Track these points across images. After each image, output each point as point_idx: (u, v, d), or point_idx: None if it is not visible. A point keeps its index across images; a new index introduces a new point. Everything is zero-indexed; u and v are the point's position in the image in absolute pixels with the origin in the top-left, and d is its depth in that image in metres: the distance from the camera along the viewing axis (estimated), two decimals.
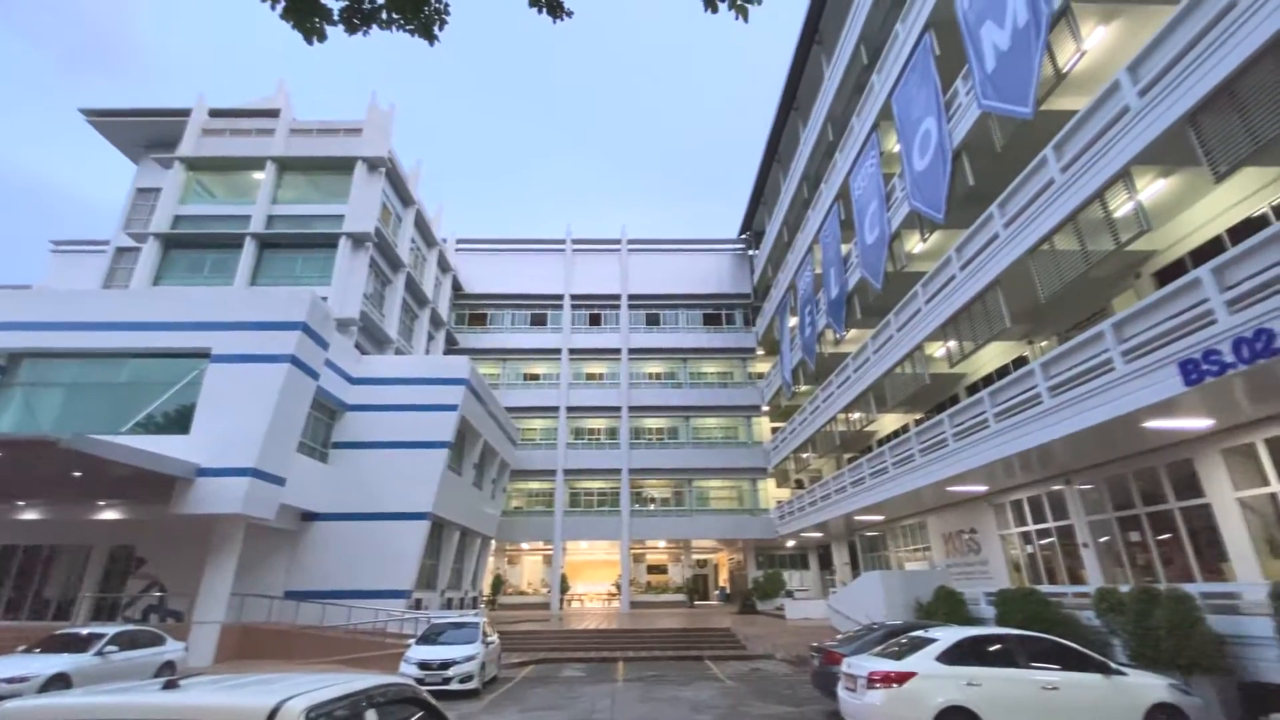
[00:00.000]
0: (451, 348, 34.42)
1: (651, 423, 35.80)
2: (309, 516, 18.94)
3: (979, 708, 7.23)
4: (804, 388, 28.48)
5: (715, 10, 4.52)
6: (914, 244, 18.00)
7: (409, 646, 13.23)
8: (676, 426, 35.76)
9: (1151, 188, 10.63)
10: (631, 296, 37.42)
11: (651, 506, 34.44)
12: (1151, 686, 7.63)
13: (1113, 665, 7.85)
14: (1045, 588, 13.33)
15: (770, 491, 34.29)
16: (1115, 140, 10.13)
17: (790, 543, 32.72)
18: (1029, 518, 15.47)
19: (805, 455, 28.88)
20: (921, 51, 16.09)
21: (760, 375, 36.50)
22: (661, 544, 36.61)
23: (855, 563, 27.68)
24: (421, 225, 30.29)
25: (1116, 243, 10.44)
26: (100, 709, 2.62)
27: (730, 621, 23.16)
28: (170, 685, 2.81)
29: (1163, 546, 11.87)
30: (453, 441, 21.13)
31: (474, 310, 37.27)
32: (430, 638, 13.33)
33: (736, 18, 4.54)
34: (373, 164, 25.37)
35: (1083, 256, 11.11)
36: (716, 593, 36.93)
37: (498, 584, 33.57)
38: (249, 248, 23.54)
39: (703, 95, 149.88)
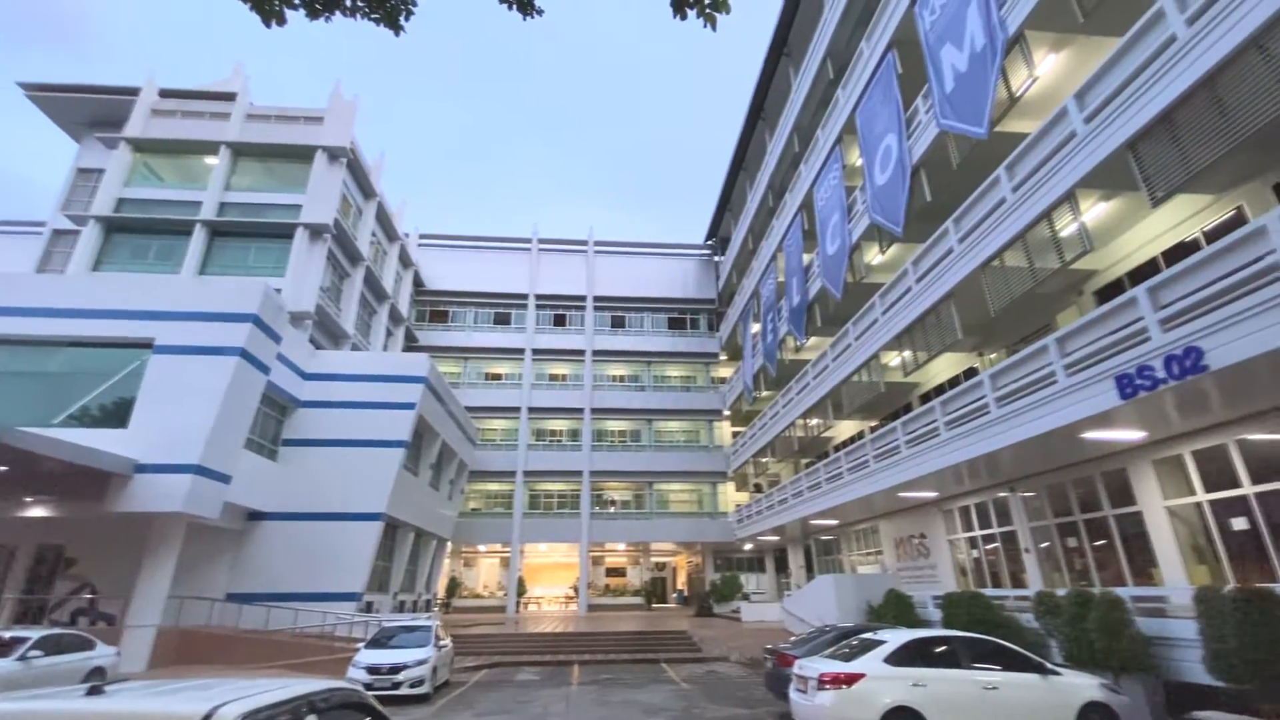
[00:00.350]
0: (411, 345, 33.73)
1: (614, 425, 35.77)
2: (255, 516, 18.27)
3: (924, 707, 7.45)
4: (765, 393, 28.89)
5: (684, 17, 4.56)
6: (873, 256, 18.47)
7: (358, 650, 12.89)
8: (639, 429, 35.81)
9: (1094, 210, 11.17)
10: (597, 298, 37.36)
11: (612, 509, 34.38)
12: (1084, 686, 7.98)
13: (1049, 666, 8.18)
14: (989, 591, 13.83)
15: (730, 495, 34.64)
16: (1063, 163, 10.61)
17: (748, 546, 33.10)
18: (975, 523, 16.02)
19: (764, 460, 29.29)
20: (885, 69, 16.56)
21: (723, 380, 36.87)
22: (621, 547, 36.59)
23: (810, 566, 28.17)
24: (383, 219, 29.62)
25: (1061, 261, 10.94)
26: (19, 716, 2.48)
27: (687, 624, 23.29)
28: (95, 691, 2.67)
29: (1098, 552, 12.45)
30: (409, 441, 20.69)
31: (435, 307, 36.63)
32: (380, 641, 13.03)
33: (705, 25, 4.59)
34: (334, 154, 24.71)
35: (1030, 273, 11.59)
36: (674, 595, 37.09)
37: (453, 586, 32.98)
38: (199, 235, 22.61)
39: (673, 101, 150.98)
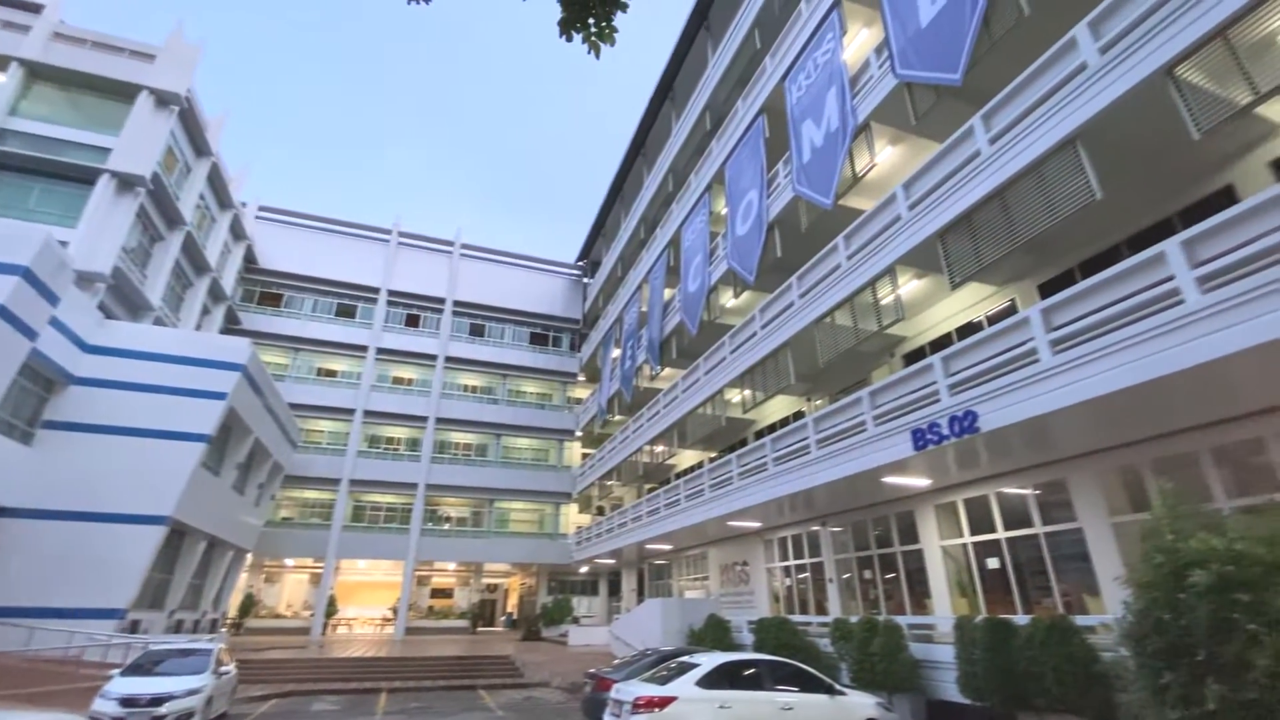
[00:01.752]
0: (232, 327, 29.82)
1: (460, 437, 34.23)
2: None
3: None
4: (618, 418, 29.39)
5: (570, 39, 4.63)
6: (728, 299, 19.73)
7: (111, 678, 10.84)
8: (486, 444, 34.59)
9: (909, 285, 12.91)
10: (457, 303, 35.85)
11: (446, 526, 32.68)
12: (864, 705, 8.90)
13: (837, 686, 9.02)
14: (796, 617, 15.02)
15: (572, 517, 34.49)
16: (889, 241, 12.18)
17: (584, 569, 33.07)
18: (791, 553, 17.42)
19: (610, 483, 29.64)
20: (755, 131, 18.00)
21: (579, 400, 36.94)
22: (451, 566, 34.77)
23: (642, 590, 28.77)
24: (217, 182, 26.22)
25: (879, 325, 12.46)
26: None
27: (512, 648, 22.58)
28: None
29: (887, 584, 14.08)
30: (213, 435, 18.13)
31: (268, 289, 32.82)
32: (144, 667, 11.06)
33: (589, 51, 4.68)
34: (163, 98, 21.53)
35: (854, 332, 13.07)
36: (503, 619, 35.86)
37: (248, 605, 29.06)
38: None
39: (559, 119, 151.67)
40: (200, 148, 24.48)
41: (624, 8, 4.56)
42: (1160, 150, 8.60)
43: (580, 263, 39.52)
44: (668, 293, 23.89)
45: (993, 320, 12.06)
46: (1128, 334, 7.29)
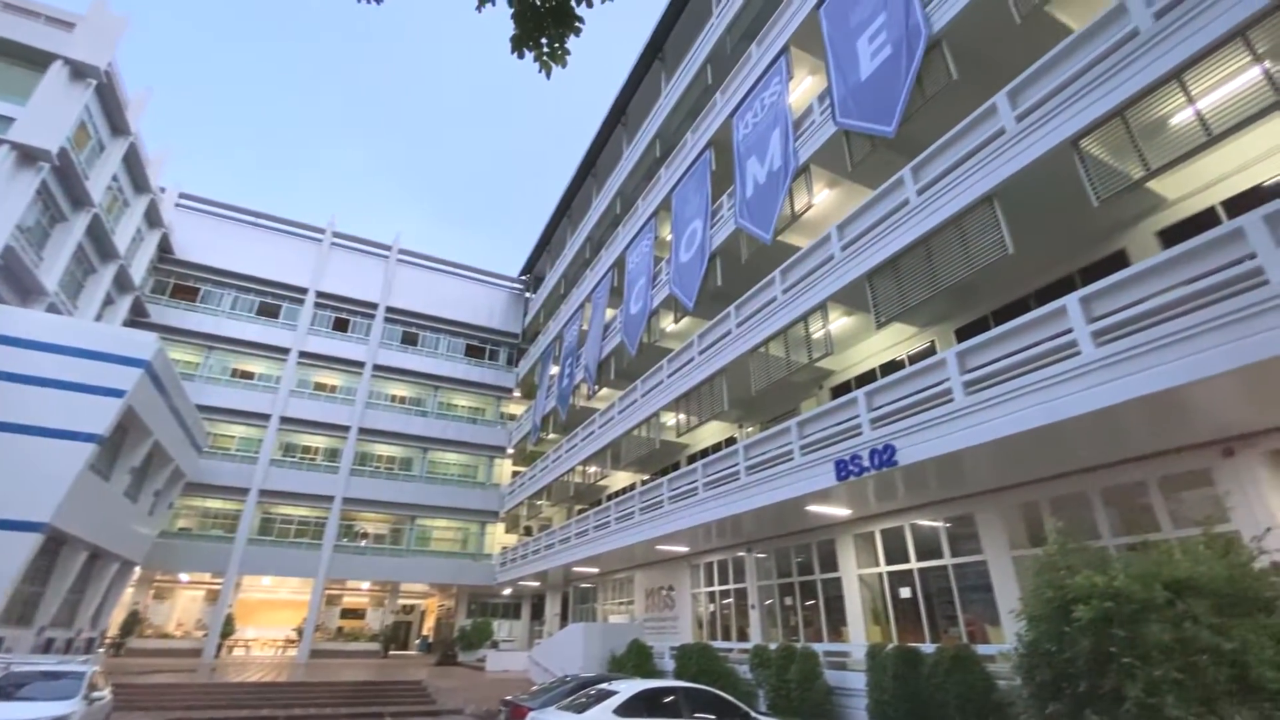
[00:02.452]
0: (139, 320, 27.66)
1: (384, 449, 32.82)
2: None
3: None
4: (552, 436, 28.98)
5: (522, 56, 4.63)
6: (668, 323, 19.96)
7: None
8: (411, 457, 33.29)
9: (839, 321, 13.47)
10: (391, 309, 34.61)
11: (363, 543, 31.09)
12: None
13: (753, 715, 9.05)
14: (718, 643, 15.10)
15: (498, 536, 33.54)
16: (822, 278, 12.68)
17: (507, 591, 32.14)
18: (716, 579, 17.54)
19: (540, 502, 29.08)
20: (702, 163, 18.48)
21: (513, 417, 36.23)
22: (365, 586, 33.05)
23: (566, 614, 28.20)
24: (133, 164, 24.46)
25: (809, 358, 12.91)
26: None
27: (426, 673, 21.58)
28: None
29: (807, 610, 14.38)
30: (105, 436, 16.61)
31: (183, 281, 30.63)
32: (2, 691, 9.89)
33: (540, 70, 4.69)
34: (80, 70, 19.98)
35: (786, 363, 13.48)
36: (417, 642, 34.25)
37: (132, 623, 26.55)
38: None
39: (510, 130, 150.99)
40: (118, 126, 22.83)
41: (577, 31, 4.61)
42: (1066, 213, 9.40)
43: (523, 277, 39.11)
44: (610, 313, 23.94)
45: (913, 360, 12.72)
46: (1033, 379, 7.84)
